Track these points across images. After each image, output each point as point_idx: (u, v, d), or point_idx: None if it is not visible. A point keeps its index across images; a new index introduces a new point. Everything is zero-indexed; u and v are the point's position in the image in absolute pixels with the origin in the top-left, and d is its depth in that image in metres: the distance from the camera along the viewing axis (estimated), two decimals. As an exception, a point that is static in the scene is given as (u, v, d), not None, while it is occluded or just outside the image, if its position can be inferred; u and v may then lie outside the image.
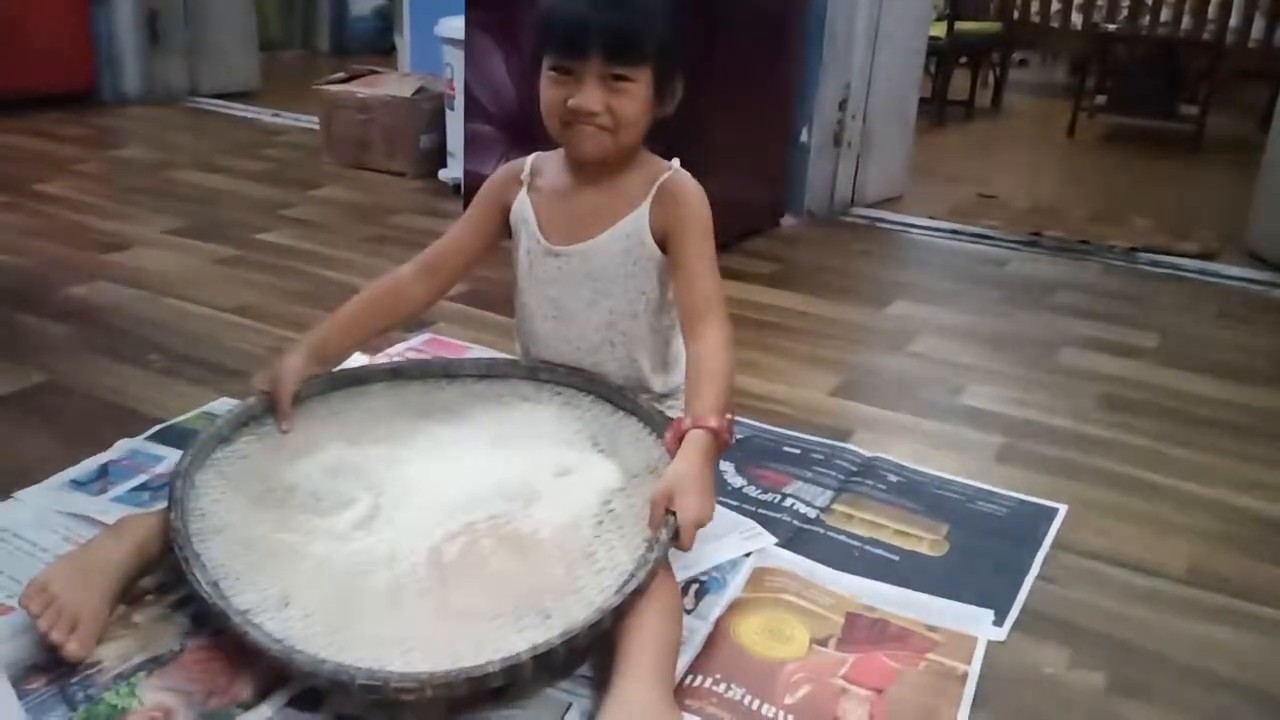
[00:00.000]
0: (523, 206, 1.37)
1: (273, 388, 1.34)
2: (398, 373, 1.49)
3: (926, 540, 1.40)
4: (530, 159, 1.40)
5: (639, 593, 1.04)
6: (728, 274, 2.50)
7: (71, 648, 1.02)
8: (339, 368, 1.45)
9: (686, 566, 1.26)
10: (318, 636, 1.02)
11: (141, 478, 1.42)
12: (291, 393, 1.35)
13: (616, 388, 1.39)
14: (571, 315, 1.38)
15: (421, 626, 1.03)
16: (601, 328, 1.37)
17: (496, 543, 1.15)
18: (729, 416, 1.22)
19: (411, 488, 1.24)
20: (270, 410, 1.36)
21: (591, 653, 1.08)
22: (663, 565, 1.13)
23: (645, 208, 1.30)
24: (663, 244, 1.32)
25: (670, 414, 1.42)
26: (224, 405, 1.65)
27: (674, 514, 1.10)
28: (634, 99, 1.25)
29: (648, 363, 1.40)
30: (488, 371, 1.48)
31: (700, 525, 1.11)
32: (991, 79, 5.95)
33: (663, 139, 1.36)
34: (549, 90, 1.26)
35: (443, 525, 1.17)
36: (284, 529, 1.17)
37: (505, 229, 1.42)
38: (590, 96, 1.23)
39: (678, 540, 1.10)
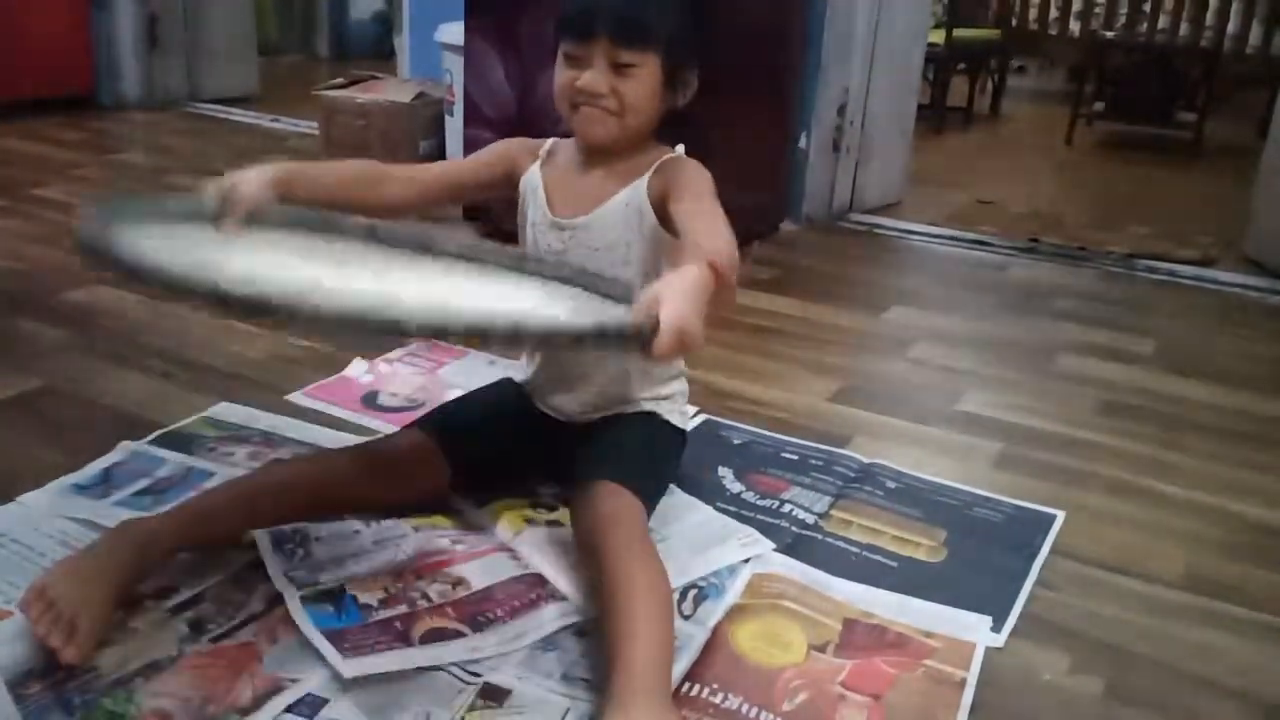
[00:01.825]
0: (534, 178, 1.39)
1: (229, 193, 1.23)
2: (373, 232, 1.33)
3: (925, 546, 1.40)
4: (550, 140, 1.42)
5: (604, 336, 1.04)
6: (726, 280, 2.53)
7: (69, 652, 1.02)
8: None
9: (685, 573, 1.26)
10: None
11: (144, 482, 1.42)
12: (248, 205, 1.22)
13: (613, 279, 1.26)
14: None
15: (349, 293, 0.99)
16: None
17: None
18: (732, 272, 1.13)
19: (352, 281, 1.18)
20: (218, 217, 1.22)
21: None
22: (650, 550, 1.14)
23: (645, 180, 1.32)
24: (663, 215, 1.31)
25: (672, 419, 1.43)
26: (225, 409, 1.65)
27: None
28: (640, 83, 1.27)
29: None
30: (471, 254, 1.33)
31: (683, 333, 1.00)
32: (990, 86, 5.95)
33: (664, 142, 1.37)
34: (560, 73, 1.29)
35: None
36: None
37: (499, 189, 1.44)
38: (596, 78, 1.25)
39: (654, 342, 1.00)
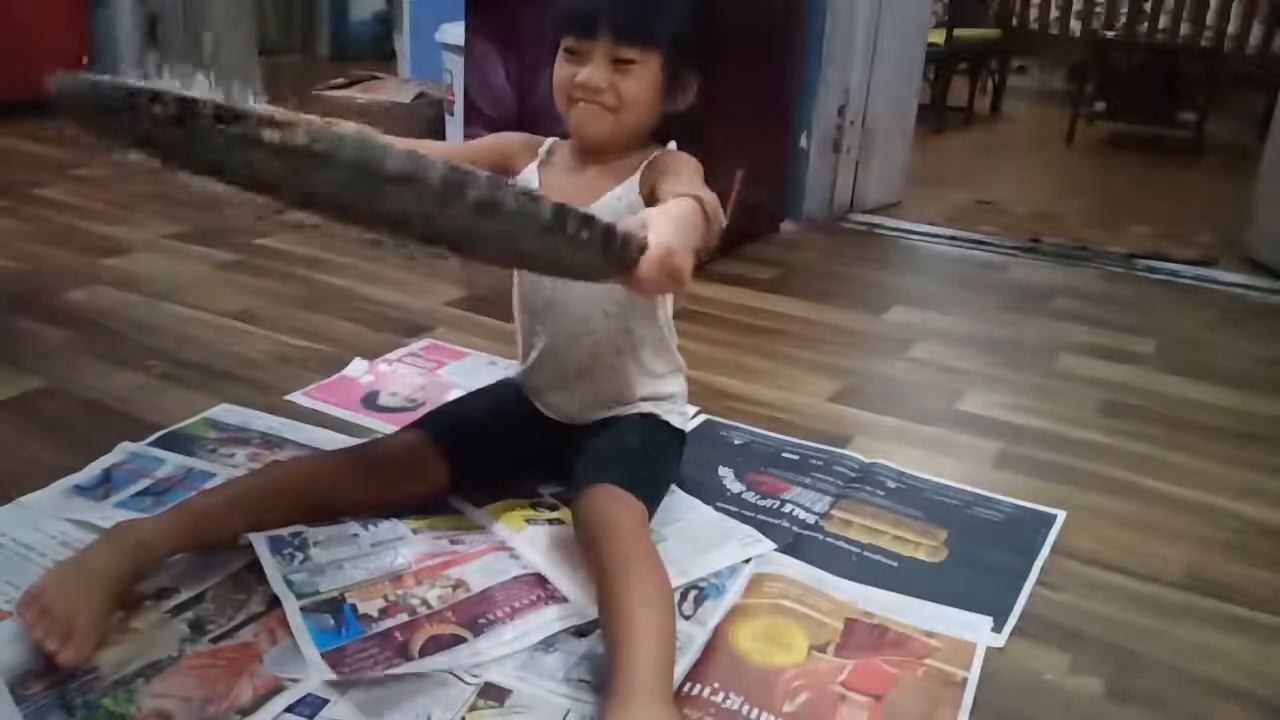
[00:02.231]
0: (530, 176, 1.38)
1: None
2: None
3: (925, 546, 1.40)
4: (550, 140, 1.42)
5: (574, 222, 0.90)
6: (727, 279, 2.53)
7: (65, 656, 1.02)
8: None
9: (685, 573, 1.26)
10: None
11: (144, 483, 1.42)
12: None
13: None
14: (569, 285, 1.38)
15: None
16: (598, 294, 1.36)
17: None
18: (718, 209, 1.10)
19: None
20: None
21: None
22: (651, 551, 1.14)
23: (637, 176, 1.31)
24: (652, 204, 1.27)
25: (671, 420, 1.43)
26: (225, 410, 1.65)
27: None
28: (639, 80, 1.26)
29: (648, 335, 1.39)
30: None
31: (668, 261, 0.96)
32: (990, 85, 5.95)
33: (686, 132, 1.36)
34: (560, 69, 1.29)
35: None
36: None
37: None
38: (596, 73, 1.25)
39: (639, 261, 0.96)
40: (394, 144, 0.83)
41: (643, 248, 0.96)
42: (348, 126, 0.84)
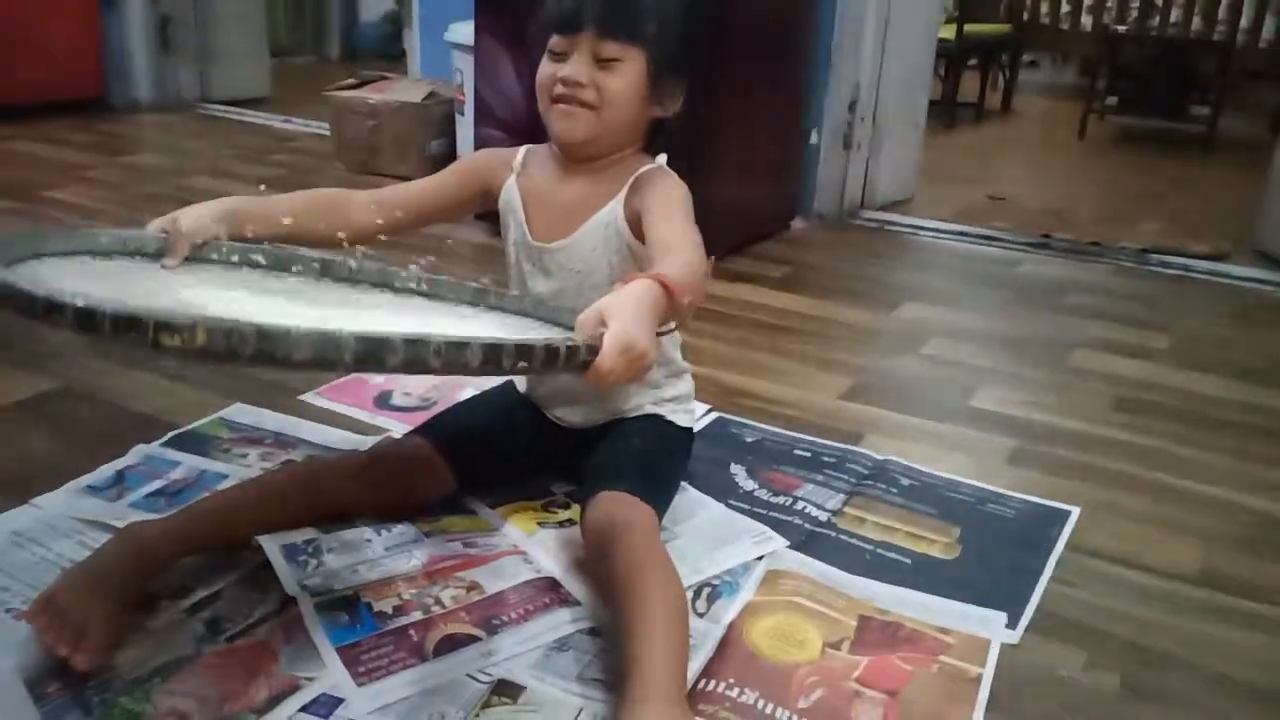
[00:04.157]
0: (511, 196, 1.37)
1: (172, 226, 1.16)
2: (326, 268, 1.26)
3: (939, 543, 1.40)
4: (523, 149, 1.39)
5: (525, 354, 0.87)
6: (738, 277, 2.53)
7: (78, 659, 1.03)
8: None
9: (699, 571, 1.26)
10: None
11: (157, 483, 1.43)
12: (191, 238, 1.16)
13: (570, 311, 1.13)
14: (570, 297, 1.36)
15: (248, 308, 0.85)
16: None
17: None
18: (687, 287, 1.04)
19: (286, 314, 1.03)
20: (161, 253, 1.15)
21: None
22: (662, 554, 1.13)
23: (621, 197, 1.30)
24: (638, 231, 1.27)
25: (677, 420, 1.43)
26: (238, 411, 1.66)
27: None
28: (622, 78, 1.25)
29: None
30: (432, 291, 1.27)
31: (628, 349, 0.93)
32: (1001, 81, 5.94)
33: (672, 143, 1.36)
34: (543, 68, 1.28)
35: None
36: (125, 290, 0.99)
37: (477, 205, 1.41)
38: (577, 68, 1.24)
39: (595, 361, 0.93)
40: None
41: (594, 348, 0.92)
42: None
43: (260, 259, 1.22)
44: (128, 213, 2.81)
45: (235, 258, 1.20)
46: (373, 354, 0.78)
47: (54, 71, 4.15)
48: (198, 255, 1.16)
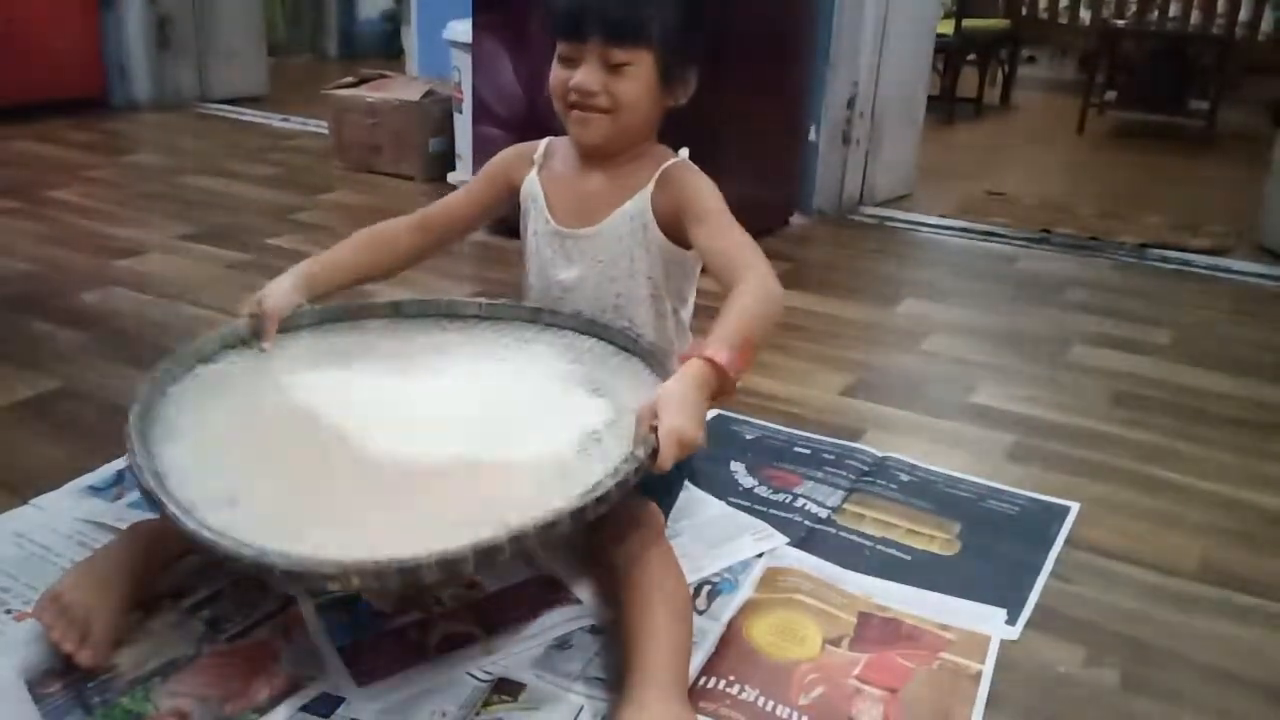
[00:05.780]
0: (533, 186, 1.38)
1: (259, 309, 1.31)
2: (398, 309, 1.44)
3: (938, 539, 1.40)
4: (545, 141, 1.42)
5: (603, 501, 0.99)
6: (737, 274, 2.52)
7: (83, 656, 1.03)
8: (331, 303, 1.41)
9: (699, 568, 1.26)
10: (259, 530, 0.95)
11: (156, 483, 1.43)
12: (279, 315, 1.31)
13: (620, 329, 1.34)
14: (579, 297, 1.38)
15: (374, 531, 0.97)
16: (608, 310, 1.37)
17: (468, 463, 1.10)
18: (740, 360, 1.11)
19: (390, 410, 1.20)
20: (257, 335, 1.31)
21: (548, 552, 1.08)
22: (667, 552, 1.13)
23: (648, 191, 1.31)
24: (668, 229, 1.31)
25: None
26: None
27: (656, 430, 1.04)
28: (634, 81, 1.25)
29: (659, 341, 1.39)
30: (491, 314, 1.43)
31: (682, 442, 1.02)
32: (1000, 76, 5.93)
33: (673, 138, 1.37)
34: (555, 74, 1.28)
35: (415, 445, 1.12)
36: (251, 437, 1.14)
37: (506, 204, 1.43)
38: (589, 77, 1.24)
39: (656, 458, 1.02)
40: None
41: (654, 449, 1.02)
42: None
43: (340, 315, 1.40)
44: (131, 212, 2.82)
45: (320, 320, 1.38)
46: (488, 558, 0.92)
47: (54, 71, 4.14)
48: (287, 325, 1.33)
